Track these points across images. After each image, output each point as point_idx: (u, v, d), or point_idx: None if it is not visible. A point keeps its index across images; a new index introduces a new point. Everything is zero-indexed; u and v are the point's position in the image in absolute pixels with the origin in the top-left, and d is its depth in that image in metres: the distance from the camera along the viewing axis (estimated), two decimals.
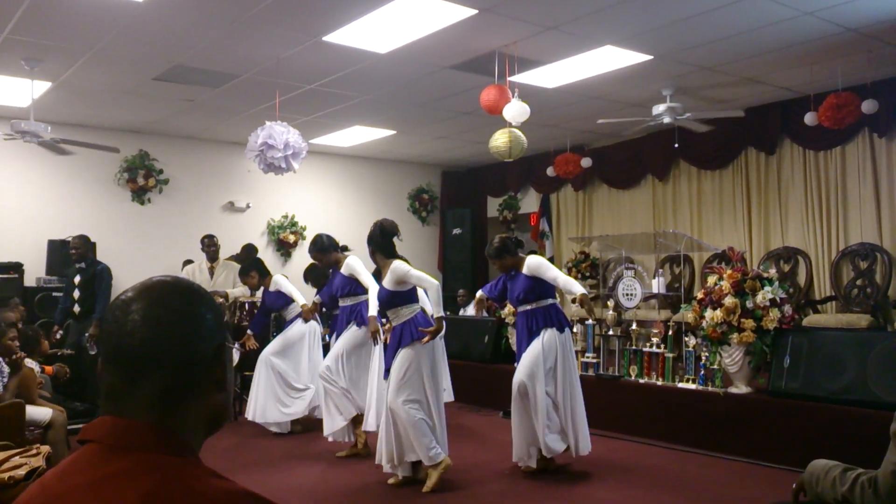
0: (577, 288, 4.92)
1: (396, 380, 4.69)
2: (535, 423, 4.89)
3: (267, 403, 6.37)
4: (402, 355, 4.73)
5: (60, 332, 7.10)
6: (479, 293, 5.54)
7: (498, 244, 5.23)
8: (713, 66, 6.68)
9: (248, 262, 7.06)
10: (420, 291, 5.14)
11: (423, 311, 4.88)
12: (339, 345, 5.65)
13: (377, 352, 5.45)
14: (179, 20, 5.52)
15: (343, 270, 5.62)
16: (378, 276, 5.20)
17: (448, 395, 6.47)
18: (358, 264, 5.54)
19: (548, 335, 4.98)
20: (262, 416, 6.37)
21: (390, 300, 4.84)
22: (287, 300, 6.56)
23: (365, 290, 5.46)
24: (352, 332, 5.65)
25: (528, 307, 5.08)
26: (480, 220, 12.08)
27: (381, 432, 4.80)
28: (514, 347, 7.43)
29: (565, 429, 4.98)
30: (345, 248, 5.81)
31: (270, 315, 6.96)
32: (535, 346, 4.98)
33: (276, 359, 6.42)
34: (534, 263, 5.07)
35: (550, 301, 5.08)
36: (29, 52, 6.18)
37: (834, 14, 5.48)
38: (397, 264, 4.79)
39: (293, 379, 6.42)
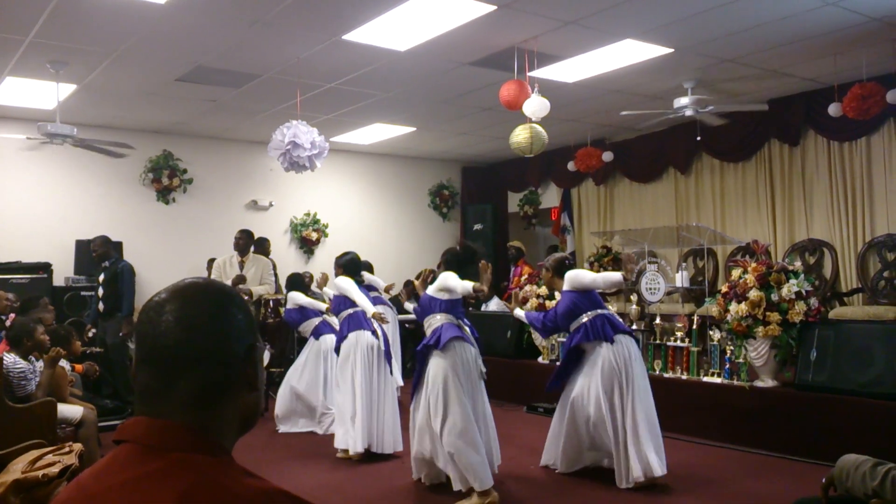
0: (616, 276, 4.83)
1: (432, 402, 4.54)
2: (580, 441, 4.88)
3: (291, 417, 6.65)
4: (430, 373, 4.60)
5: (94, 330, 7.25)
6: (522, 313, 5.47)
7: (557, 259, 5.26)
8: (735, 58, 6.62)
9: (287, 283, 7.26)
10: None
11: (457, 325, 4.73)
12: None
13: (357, 368, 5.61)
14: (201, 22, 5.57)
15: (334, 290, 6.00)
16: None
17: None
18: (345, 283, 5.84)
19: (601, 353, 4.77)
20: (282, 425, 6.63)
21: (428, 305, 4.80)
22: (300, 316, 6.83)
23: (353, 304, 5.79)
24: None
25: (577, 323, 4.91)
26: (501, 216, 12.06)
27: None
28: (537, 343, 7.52)
29: (612, 450, 4.74)
30: (369, 268, 6.17)
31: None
32: (594, 379, 4.78)
33: (297, 385, 6.63)
34: (571, 275, 4.97)
35: (599, 311, 4.90)
36: (54, 56, 6.27)
37: (858, 3, 5.40)
38: (445, 272, 4.80)
39: (315, 401, 6.59)
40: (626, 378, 4.72)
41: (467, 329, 4.79)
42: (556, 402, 7.07)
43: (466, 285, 4.66)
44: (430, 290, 4.83)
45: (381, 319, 5.69)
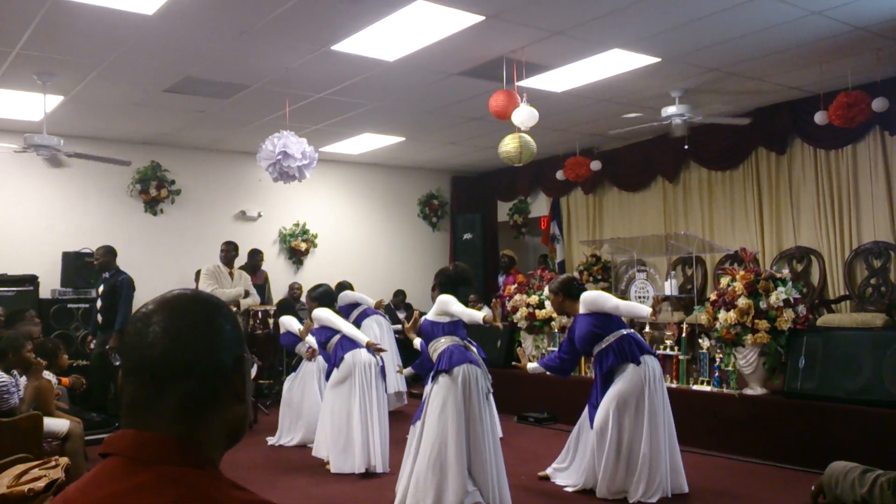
0: (644, 310, 4.68)
1: (432, 424, 4.39)
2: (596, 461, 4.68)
3: (288, 432, 6.64)
4: (432, 394, 4.46)
5: (95, 341, 7.19)
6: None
7: (563, 280, 5.05)
8: (721, 67, 6.67)
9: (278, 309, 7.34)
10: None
11: (462, 346, 4.59)
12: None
13: (356, 389, 5.56)
14: (189, 33, 5.57)
15: (315, 324, 5.97)
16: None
17: None
18: (325, 314, 5.86)
19: (627, 373, 4.64)
20: (278, 440, 6.61)
21: (430, 331, 4.66)
22: (293, 339, 6.81)
23: (337, 331, 5.79)
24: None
25: (599, 347, 4.75)
26: (491, 225, 12.07)
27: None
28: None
29: (632, 474, 4.62)
30: (347, 287, 6.32)
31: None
32: (611, 391, 4.67)
33: (294, 401, 6.66)
34: (590, 298, 4.80)
35: (622, 332, 4.73)
36: (41, 67, 6.24)
37: (842, 13, 5.46)
38: (443, 296, 4.65)
39: (312, 417, 6.53)
40: (646, 400, 4.61)
41: (474, 349, 4.66)
42: (547, 413, 7.13)
43: (474, 315, 4.46)
44: (430, 316, 4.69)
45: (377, 349, 5.67)
